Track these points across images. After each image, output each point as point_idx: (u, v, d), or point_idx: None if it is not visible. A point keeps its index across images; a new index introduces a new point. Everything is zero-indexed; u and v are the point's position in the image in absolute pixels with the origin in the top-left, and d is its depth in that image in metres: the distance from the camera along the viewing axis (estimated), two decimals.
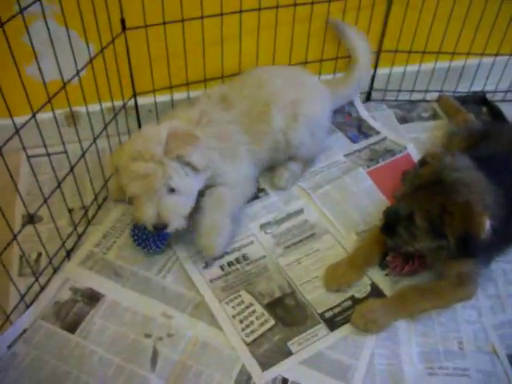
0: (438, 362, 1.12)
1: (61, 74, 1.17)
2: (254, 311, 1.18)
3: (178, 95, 1.60)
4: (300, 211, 1.42)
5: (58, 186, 1.23)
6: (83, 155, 1.31)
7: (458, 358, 1.12)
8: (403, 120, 1.77)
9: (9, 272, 1.14)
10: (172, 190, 1.17)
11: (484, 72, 1.77)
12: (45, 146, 1.19)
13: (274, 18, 1.52)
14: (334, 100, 1.60)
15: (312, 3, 1.53)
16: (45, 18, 1.11)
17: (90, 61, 1.27)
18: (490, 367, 1.11)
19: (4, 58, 1.06)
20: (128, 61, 1.45)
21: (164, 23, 1.40)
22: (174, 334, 1.14)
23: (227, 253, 1.31)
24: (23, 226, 1.23)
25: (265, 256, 1.31)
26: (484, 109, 1.79)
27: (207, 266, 1.28)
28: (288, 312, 1.19)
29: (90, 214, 1.40)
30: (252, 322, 1.16)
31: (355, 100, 1.79)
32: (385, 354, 1.13)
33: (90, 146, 1.33)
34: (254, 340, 1.13)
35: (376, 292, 1.23)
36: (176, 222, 1.19)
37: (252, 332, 1.15)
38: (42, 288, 1.23)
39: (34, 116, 1.10)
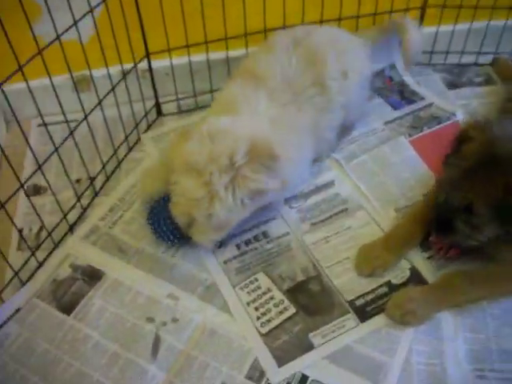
0: (490, 363, 0.93)
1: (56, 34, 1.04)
2: (271, 297, 1.03)
3: (197, 57, 1.44)
4: (330, 184, 1.25)
5: (56, 150, 1.11)
6: (85, 118, 1.18)
7: None
8: (452, 85, 1.56)
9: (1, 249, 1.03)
10: (210, 216, 1.00)
11: None
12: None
13: None
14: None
15: None
16: None
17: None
18: None
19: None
20: (138, 15, 1.29)
21: None
22: (179, 319, 1.01)
23: (245, 230, 1.16)
24: (28, 196, 1.10)
25: (288, 233, 1.15)
26: None
27: (221, 245, 1.13)
28: (311, 299, 1.03)
29: (98, 185, 1.28)
30: (269, 310, 1.01)
31: (397, 63, 1.59)
32: (425, 352, 0.95)
33: (93, 109, 1.20)
34: (271, 330, 0.98)
35: (416, 278, 1.05)
36: (203, 243, 1.06)
37: (268, 321, 1.00)
38: (40, 264, 1.12)
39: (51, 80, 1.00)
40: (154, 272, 1.09)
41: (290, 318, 1.00)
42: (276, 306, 1.02)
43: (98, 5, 1.18)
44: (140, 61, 1.36)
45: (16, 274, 1.06)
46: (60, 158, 1.13)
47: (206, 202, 0.97)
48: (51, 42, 1.04)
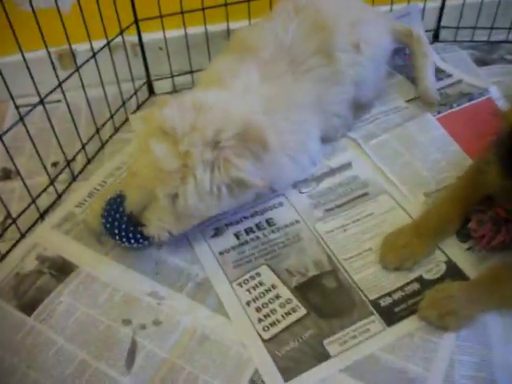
0: None
1: None
2: (276, 296, 0.86)
3: (194, 29, 1.28)
4: (347, 165, 1.08)
5: (27, 131, 0.95)
6: (64, 95, 1.03)
7: None
8: (481, 62, 1.40)
9: None
10: (176, 197, 0.82)
11: None
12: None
13: None
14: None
15: None
16: None
17: None
18: None
19: None
20: None
21: None
22: (162, 322, 0.83)
23: (245, 217, 0.99)
24: None
25: (298, 221, 0.98)
26: None
27: (217, 234, 0.96)
28: (326, 298, 0.85)
29: (78, 168, 1.12)
30: (273, 311, 0.83)
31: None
32: (470, 363, 0.77)
33: (66, 79, 1.04)
34: (275, 335, 0.80)
35: (453, 272, 0.88)
36: (157, 231, 0.87)
37: (272, 324, 0.82)
38: (3, 256, 0.95)
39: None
40: (135, 266, 0.92)
41: (299, 321, 0.82)
42: (282, 306, 0.84)
43: None
44: (128, 27, 1.19)
45: None
46: (31, 138, 0.99)
47: (177, 178, 0.80)
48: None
